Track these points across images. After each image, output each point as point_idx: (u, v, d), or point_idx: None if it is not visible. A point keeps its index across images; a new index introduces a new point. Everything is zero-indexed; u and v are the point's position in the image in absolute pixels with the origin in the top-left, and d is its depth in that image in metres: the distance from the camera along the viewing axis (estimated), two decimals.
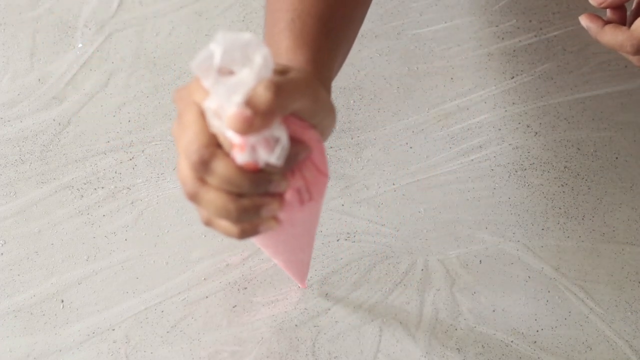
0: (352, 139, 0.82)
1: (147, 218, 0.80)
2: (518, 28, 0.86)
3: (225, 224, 0.50)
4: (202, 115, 0.47)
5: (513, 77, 0.85)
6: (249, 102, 0.44)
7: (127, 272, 0.78)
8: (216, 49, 0.45)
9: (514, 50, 0.85)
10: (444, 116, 0.83)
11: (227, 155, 0.46)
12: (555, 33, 0.86)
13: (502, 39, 0.86)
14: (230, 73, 0.45)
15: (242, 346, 0.76)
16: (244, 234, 0.50)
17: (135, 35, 0.86)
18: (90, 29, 0.86)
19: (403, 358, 0.76)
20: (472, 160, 0.82)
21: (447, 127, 0.83)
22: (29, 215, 0.80)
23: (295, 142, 0.48)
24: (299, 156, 0.48)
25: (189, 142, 0.47)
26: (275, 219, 0.50)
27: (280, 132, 0.46)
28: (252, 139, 0.45)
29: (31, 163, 0.81)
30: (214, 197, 0.48)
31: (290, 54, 0.57)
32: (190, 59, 0.86)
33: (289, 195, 0.49)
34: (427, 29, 0.86)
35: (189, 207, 0.80)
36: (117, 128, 0.83)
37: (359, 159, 0.82)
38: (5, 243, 0.79)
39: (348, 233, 0.80)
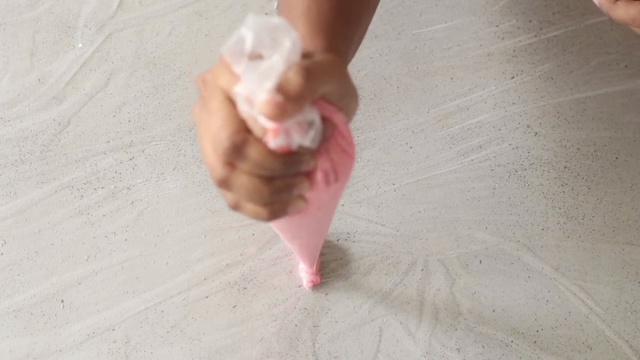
0: None
1: (147, 218, 0.80)
2: (518, 28, 0.86)
3: (253, 206, 0.50)
4: (228, 100, 0.47)
5: (513, 77, 0.85)
6: (280, 88, 0.44)
7: (127, 272, 0.78)
8: (247, 34, 0.44)
9: (514, 50, 0.85)
10: (444, 116, 0.83)
11: (259, 140, 0.47)
12: (555, 33, 0.86)
13: (502, 39, 0.86)
14: (259, 57, 0.45)
15: (242, 346, 0.76)
16: (274, 215, 0.50)
17: (135, 35, 0.86)
18: (90, 29, 0.86)
19: (403, 358, 0.76)
20: (472, 160, 0.82)
21: (447, 127, 0.83)
22: (29, 215, 0.80)
23: (323, 121, 0.48)
24: (327, 133, 0.49)
25: (218, 129, 0.46)
26: (303, 198, 0.50)
27: (312, 115, 0.46)
28: (286, 123, 0.45)
29: (31, 163, 0.81)
30: (246, 182, 0.48)
31: (307, 41, 0.57)
32: (190, 59, 0.86)
33: (318, 176, 0.49)
34: (427, 29, 0.86)
35: (189, 207, 0.80)
36: (117, 128, 0.83)
37: (359, 159, 0.82)
38: (5, 243, 0.79)
39: (348, 233, 0.80)
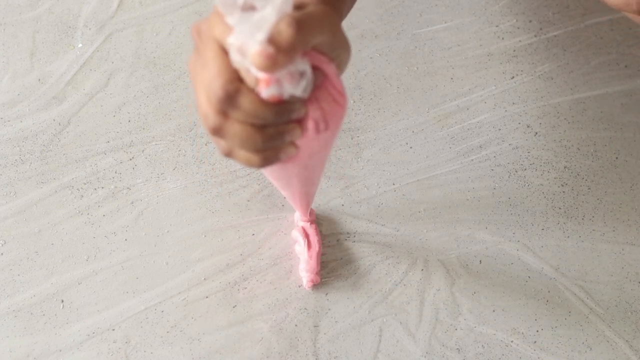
0: (352, 139, 0.82)
1: (147, 218, 0.80)
2: (518, 28, 0.86)
3: (246, 153, 0.51)
4: (222, 50, 0.48)
5: (513, 77, 0.85)
6: (271, 40, 0.45)
7: (127, 272, 0.78)
8: None
9: (514, 50, 0.85)
10: (444, 116, 0.83)
11: (251, 90, 0.48)
12: (555, 33, 0.86)
13: (502, 39, 0.86)
14: (252, 8, 0.46)
15: (242, 346, 0.76)
16: (266, 162, 0.51)
17: (135, 35, 0.86)
18: (90, 29, 0.86)
19: (403, 358, 0.76)
20: (472, 160, 0.82)
21: (447, 127, 0.83)
22: (29, 215, 0.80)
23: (314, 70, 0.49)
24: (317, 82, 0.50)
25: (212, 78, 0.48)
26: (294, 145, 0.52)
27: (304, 65, 0.47)
28: (277, 73, 0.46)
29: (31, 163, 0.81)
30: (239, 130, 0.49)
31: None
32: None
33: (308, 124, 0.51)
34: (427, 29, 0.86)
35: (189, 207, 0.80)
36: (117, 128, 0.83)
37: (359, 159, 0.82)
38: (5, 243, 0.79)
39: (348, 233, 0.80)
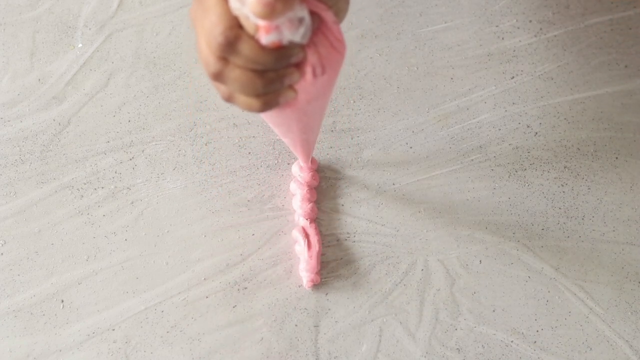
0: (352, 139, 0.82)
1: (147, 218, 0.80)
2: (518, 28, 0.86)
3: (246, 98, 0.52)
4: None
5: (513, 77, 0.85)
6: None
7: (127, 272, 0.78)
8: None
9: (514, 50, 0.85)
10: (444, 116, 0.83)
11: (251, 36, 0.49)
12: (555, 33, 0.86)
13: (502, 39, 0.86)
14: None
15: (242, 346, 0.76)
16: (266, 106, 0.53)
17: (135, 35, 0.86)
18: (90, 29, 0.86)
19: (403, 358, 0.76)
20: (472, 160, 0.82)
21: (447, 127, 0.83)
22: (29, 215, 0.80)
23: (311, 16, 0.51)
24: (313, 27, 0.51)
25: (213, 25, 0.49)
26: (292, 88, 0.53)
27: (302, 12, 0.48)
28: (277, 20, 0.48)
29: (31, 163, 0.81)
30: (239, 75, 0.50)
31: None
32: (190, 59, 0.86)
33: (306, 69, 0.52)
34: (427, 29, 0.86)
35: (189, 207, 0.80)
36: (117, 128, 0.83)
37: (359, 159, 0.82)
38: (5, 243, 0.79)
39: (348, 233, 0.80)
